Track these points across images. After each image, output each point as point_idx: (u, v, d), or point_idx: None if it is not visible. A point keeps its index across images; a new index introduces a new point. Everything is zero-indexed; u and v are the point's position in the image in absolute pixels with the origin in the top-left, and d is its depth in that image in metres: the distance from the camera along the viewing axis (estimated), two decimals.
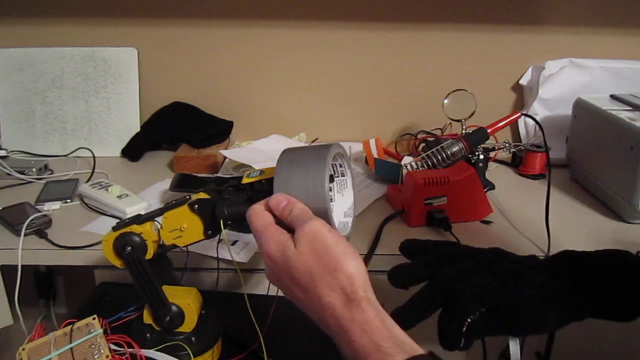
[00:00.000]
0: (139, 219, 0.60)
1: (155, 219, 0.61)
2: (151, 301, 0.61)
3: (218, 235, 0.60)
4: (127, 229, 0.59)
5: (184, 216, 0.59)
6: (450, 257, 0.56)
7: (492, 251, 0.58)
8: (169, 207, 0.59)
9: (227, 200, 0.58)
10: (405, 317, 0.53)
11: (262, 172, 0.59)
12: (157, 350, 0.61)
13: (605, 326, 0.90)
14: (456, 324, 0.50)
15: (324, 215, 0.50)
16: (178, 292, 0.63)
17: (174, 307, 0.62)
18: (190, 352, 0.61)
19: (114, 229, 0.60)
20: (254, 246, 0.84)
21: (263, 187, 0.57)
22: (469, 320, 0.50)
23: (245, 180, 0.59)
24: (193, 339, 0.63)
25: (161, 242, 0.61)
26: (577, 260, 0.56)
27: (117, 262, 0.60)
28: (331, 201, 0.57)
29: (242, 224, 0.56)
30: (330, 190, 0.57)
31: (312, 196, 0.51)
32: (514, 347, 0.55)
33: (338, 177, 0.60)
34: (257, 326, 0.60)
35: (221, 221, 0.57)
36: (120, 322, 0.68)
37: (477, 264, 0.55)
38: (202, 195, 0.59)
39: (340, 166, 0.60)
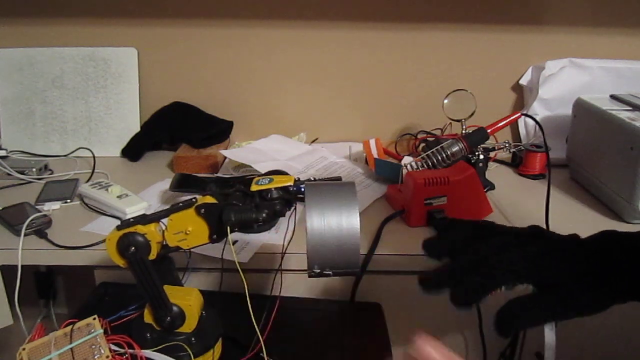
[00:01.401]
0: (144, 219, 0.60)
1: (161, 220, 0.61)
2: (153, 301, 0.61)
3: (225, 239, 0.60)
4: (132, 229, 0.59)
5: (190, 219, 0.59)
6: (488, 231, 0.54)
7: (531, 229, 0.56)
8: (175, 209, 0.59)
9: (235, 206, 0.58)
10: (432, 280, 0.51)
11: (271, 180, 0.59)
12: (157, 350, 0.61)
13: (605, 326, 0.90)
14: (486, 286, 0.48)
15: (355, 249, 0.54)
16: (179, 292, 0.63)
17: (175, 308, 0.62)
18: (190, 352, 0.61)
19: (119, 228, 0.60)
20: (255, 246, 0.84)
21: (272, 196, 0.58)
22: (501, 289, 0.49)
23: (254, 188, 0.59)
24: (193, 339, 0.63)
25: (165, 244, 0.61)
26: (617, 239, 0.53)
27: (120, 262, 0.60)
28: None
29: (247, 229, 0.58)
30: None
31: (345, 230, 0.54)
32: (550, 335, 0.55)
33: None
34: (257, 329, 0.60)
35: (228, 227, 0.58)
36: (121, 321, 0.68)
37: (514, 239, 0.53)
38: (209, 199, 0.59)
39: None
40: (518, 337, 0.90)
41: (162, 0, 1.23)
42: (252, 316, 0.59)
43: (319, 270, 0.56)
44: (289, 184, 0.59)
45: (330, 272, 0.57)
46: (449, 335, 0.91)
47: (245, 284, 0.59)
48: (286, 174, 0.89)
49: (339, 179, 0.61)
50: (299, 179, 0.60)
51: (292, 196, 0.60)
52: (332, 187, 0.57)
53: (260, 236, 0.87)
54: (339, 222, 0.54)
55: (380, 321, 0.77)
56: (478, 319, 0.84)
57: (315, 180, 0.60)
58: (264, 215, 0.58)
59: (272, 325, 0.63)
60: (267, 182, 0.59)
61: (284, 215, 0.60)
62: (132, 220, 0.60)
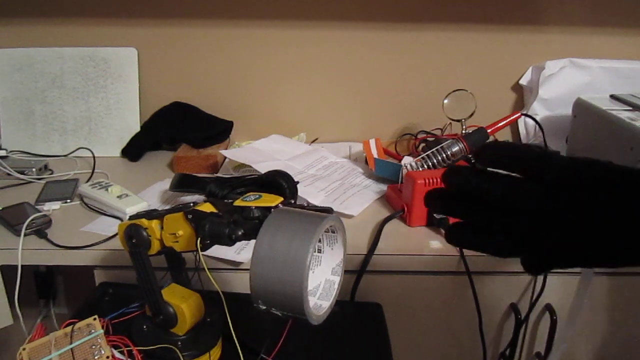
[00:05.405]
0: (150, 215, 0.60)
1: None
2: (146, 297, 0.61)
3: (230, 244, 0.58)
4: (137, 222, 0.60)
5: (179, 223, 0.58)
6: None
7: None
8: (171, 210, 0.59)
9: (217, 218, 0.55)
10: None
11: (259, 197, 0.56)
12: (150, 348, 0.60)
13: (605, 326, 0.90)
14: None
15: (298, 289, 0.45)
16: (180, 293, 0.63)
17: (170, 308, 0.61)
18: (180, 355, 0.60)
19: (130, 217, 0.62)
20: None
21: (251, 215, 0.54)
22: None
23: (237, 203, 0.56)
24: (179, 343, 0.62)
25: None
26: None
27: (126, 249, 0.62)
28: (311, 271, 0.51)
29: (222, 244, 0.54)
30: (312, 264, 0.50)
31: (290, 262, 0.46)
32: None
33: (328, 232, 0.54)
34: (234, 337, 0.57)
35: (198, 238, 0.54)
36: (122, 319, 0.68)
37: None
38: (206, 207, 0.58)
39: (332, 228, 0.54)
40: (518, 337, 0.90)
41: (162, 0, 1.23)
42: (227, 314, 0.57)
43: (264, 307, 0.48)
44: (273, 204, 0.54)
45: (278, 313, 0.47)
46: (449, 335, 0.91)
47: (217, 285, 0.56)
48: (288, 174, 0.89)
49: (329, 210, 0.53)
50: (294, 202, 0.57)
51: None
52: (301, 213, 0.50)
53: None
54: (286, 252, 0.46)
55: (380, 321, 0.77)
56: (478, 319, 0.84)
57: (308, 205, 0.56)
58: (239, 233, 0.53)
59: (272, 327, 0.63)
60: (252, 199, 0.55)
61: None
62: (143, 213, 0.62)
